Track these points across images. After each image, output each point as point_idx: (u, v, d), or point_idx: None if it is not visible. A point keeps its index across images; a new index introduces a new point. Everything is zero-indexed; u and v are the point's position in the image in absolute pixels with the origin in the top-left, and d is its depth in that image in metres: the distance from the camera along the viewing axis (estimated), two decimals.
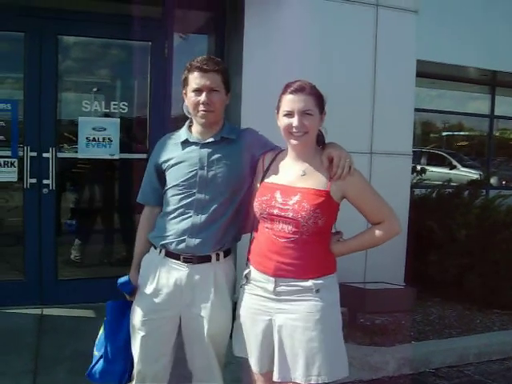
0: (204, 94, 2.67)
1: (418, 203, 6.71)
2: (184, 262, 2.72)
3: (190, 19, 5.94)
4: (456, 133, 12.22)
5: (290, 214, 2.50)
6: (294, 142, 2.57)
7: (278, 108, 2.63)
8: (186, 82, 2.74)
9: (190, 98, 2.72)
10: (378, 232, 2.61)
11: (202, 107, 2.68)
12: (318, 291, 2.52)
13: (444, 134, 12.16)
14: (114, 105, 5.60)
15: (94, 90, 5.83)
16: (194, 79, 2.69)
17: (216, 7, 5.81)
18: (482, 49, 7.73)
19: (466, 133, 12.03)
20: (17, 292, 5.25)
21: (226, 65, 2.80)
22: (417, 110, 7.00)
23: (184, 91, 2.77)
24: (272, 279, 2.56)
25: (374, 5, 5.83)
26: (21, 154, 5.19)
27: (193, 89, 2.69)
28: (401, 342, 5.03)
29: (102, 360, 2.89)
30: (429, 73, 8.09)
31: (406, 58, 5.99)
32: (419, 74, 6.27)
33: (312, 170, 2.59)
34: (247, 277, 2.68)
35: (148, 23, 5.39)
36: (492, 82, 9.63)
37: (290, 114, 2.54)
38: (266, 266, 2.58)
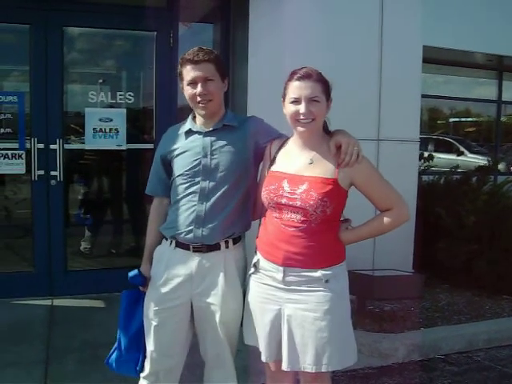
0: (199, 85, 2.68)
1: (425, 190, 6.71)
2: (194, 251, 2.73)
3: (194, 8, 5.92)
4: (463, 119, 12.16)
5: (298, 203, 2.50)
6: (301, 129, 2.56)
7: (283, 95, 2.61)
8: (181, 77, 2.76)
9: (186, 91, 2.74)
10: (386, 219, 2.59)
11: (199, 98, 2.69)
12: (327, 281, 2.53)
13: (451, 120, 12.09)
14: (120, 95, 5.59)
15: (100, 81, 5.83)
16: (188, 72, 2.70)
17: None
18: (488, 33, 7.67)
19: (474, 119, 11.96)
20: (27, 283, 5.29)
21: (216, 53, 2.78)
22: (423, 96, 6.96)
23: (181, 85, 2.78)
24: (281, 269, 2.56)
25: None
26: (28, 146, 5.20)
27: (188, 82, 2.71)
28: (410, 328, 5.02)
29: (116, 350, 2.93)
30: (435, 58, 8.04)
31: (411, 44, 5.95)
32: (425, 60, 6.23)
33: (319, 158, 2.57)
34: (256, 265, 2.68)
35: (153, 13, 5.37)
36: (499, 67, 9.57)
37: (296, 101, 2.52)
38: (275, 255, 2.58)
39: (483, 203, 6.26)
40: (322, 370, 2.53)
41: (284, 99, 2.61)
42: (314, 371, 2.54)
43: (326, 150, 2.58)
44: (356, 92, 5.60)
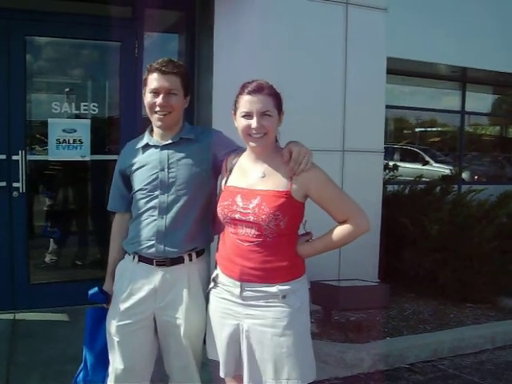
0: (161, 96, 2.66)
1: (390, 200, 6.76)
2: (157, 265, 2.71)
3: (159, 19, 5.90)
4: (429, 129, 12.31)
5: (251, 218, 2.47)
6: (252, 143, 2.53)
7: (234, 109, 2.58)
8: (145, 83, 2.73)
9: (147, 98, 2.71)
10: (344, 230, 2.53)
11: (157, 109, 2.67)
12: (284, 297, 2.49)
13: (417, 130, 12.23)
14: (85, 106, 5.54)
15: (66, 90, 5.75)
16: (152, 81, 2.68)
17: (186, 6, 5.78)
18: (452, 45, 7.79)
19: (439, 129, 12.12)
20: None
21: (186, 68, 2.78)
22: (390, 106, 7.04)
23: (143, 92, 2.76)
24: (238, 284, 2.53)
25: (343, 3, 5.83)
26: None
27: (150, 90, 2.69)
28: (376, 338, 5.05)
29: (83, 369, 2.88)
30: (400, 70, 8.14)
31: (376, 56, 6.01)
32: (391, 72, 6.30)
33: (272, 171, 2.54)
34: (215, 280, 2.66)
35: (118, 23, 5.34)
36: (462, 78, 9.73)
37: (248, 115, 2.49)
38: (232, 270, 2.55)
39: (447, 213, 6.34)
40: None
41: (235, 113, 2.57)
42: None
43: (279, 162, 2.54)
44: (320, 103, 5.65)
